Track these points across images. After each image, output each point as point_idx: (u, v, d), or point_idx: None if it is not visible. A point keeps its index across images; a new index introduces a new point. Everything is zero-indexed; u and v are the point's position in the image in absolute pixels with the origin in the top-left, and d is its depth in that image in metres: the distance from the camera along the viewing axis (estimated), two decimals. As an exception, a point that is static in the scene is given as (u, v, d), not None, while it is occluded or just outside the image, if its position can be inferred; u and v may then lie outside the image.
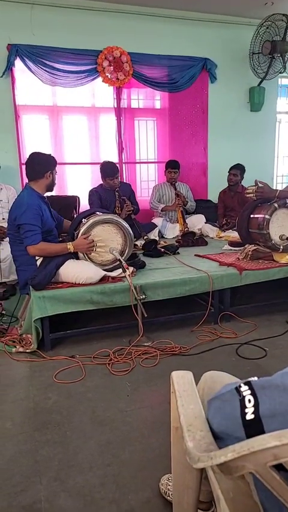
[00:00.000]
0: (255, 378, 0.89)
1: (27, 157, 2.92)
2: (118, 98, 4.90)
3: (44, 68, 4.41)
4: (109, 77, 4.67)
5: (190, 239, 4.14)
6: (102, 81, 4.69)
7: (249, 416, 0.81)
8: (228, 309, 3.17)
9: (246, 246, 3.44)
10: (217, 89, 5.25)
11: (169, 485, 1.49)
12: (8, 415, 2.06)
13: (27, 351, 2.70)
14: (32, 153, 2.93)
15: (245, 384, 0.87)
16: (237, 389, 0.87)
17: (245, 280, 3.11)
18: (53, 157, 2.98)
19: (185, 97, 5.18)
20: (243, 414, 0.82)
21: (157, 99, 5.35)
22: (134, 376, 2.39)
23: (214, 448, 0.86)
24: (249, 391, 0.84)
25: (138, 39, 4.76)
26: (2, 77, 4.28)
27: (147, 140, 5.32)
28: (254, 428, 0.80)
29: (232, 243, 3.84)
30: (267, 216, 3.25)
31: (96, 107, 5.01)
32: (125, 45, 4.65)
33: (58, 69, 4.47)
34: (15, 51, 4.25)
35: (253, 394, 0.83)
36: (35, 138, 4.71)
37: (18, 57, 4.29)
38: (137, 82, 4.87)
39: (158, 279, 2.94)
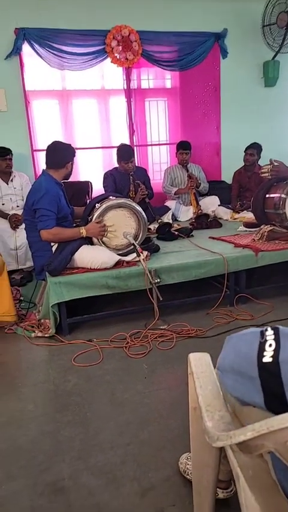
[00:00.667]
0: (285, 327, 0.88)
1: (49, 145, 2.94)
2: (128, 79, 4.82)
3: (52, 51, 4.35)
4: (118, 57, 4.59)
5: (204, 221, 4.10)
6: (111, 61, 4.60)
7: (267, 359, 0.80)
8: (244, 290, 3.15)
9: (261, 227, 3.40)
10: (229, 64, 5.09)
11: (188, 464, 1.53)
12: (30, 398, 2.11)
13: (46, 335, 2.75)
14: (54, 142, 2.96)
15: (272, 329, 0.86)
16: (263, 332, 0.86)
17: (261, 261, 3.09)
18: (72, 147, 3.01)
19: (196, 75, 5.05)
20: (261, 356, 0.81)
21: (167, 78, 5.24)
22: (151, 358, 2.42)
23: (233, 427, 0.87)
24: (273, 336, 0.83)
25: (147, 17, 4.63)
26: (6, 59, 4.24)
27: (159, 121, 5.25)
28: (269, 371, 0.79)
29: (247, 224, 3.79)
30: (283, 195, 3.19)
31: (106, 89, 4.94)
32: (134, 24, 4.54)
33: (66, 52, 4.41)
34: (23, 35, 4.20)
35: (276, 339, 0.82)
36: (46, 123, 4.69)
37: (25, 41, 4.24)
38: (146, 62, 4.77)
39: (173, 262, 2.94)
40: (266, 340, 0.83)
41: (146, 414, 1.91)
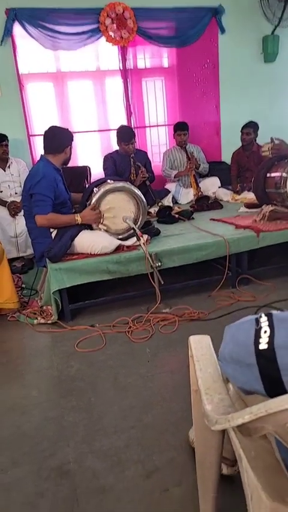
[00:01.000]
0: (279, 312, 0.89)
1: (46, 130, 2.91)
2: (123, 59, 4.71)
3: (45, 32, 4.23)
4: (112, 36, 4.46)
5: (205, 203, 4.06)
6: (106, 40, 4.47)
7: (263, 346, 0.81)
8: (246, 272, 3.13)
9: (263, 207, 3.36)
10: (228, 40, 4.93)
11: None
12: (34, 384, 2.12)
13: (48, 322, 2.75)
14: (51, 127, 2.93)
15: (266, 315, 0.87)
16: (257, 319, 0.87)
17: (262, 242, 3.06)
18: (70, 131, 2.98)
19: (193, 52, 4.92)
20: (257, 343, 0.82)
21: (164, 56, 5.12)
22: (154, 342, 2.42)
23: (232, 410, 0.86)
24: (267, 322, 0.84)
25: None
26: (1, 45, 4.14)
27: (156, 102, 5.15)
28: (265, 357, 0.80)
29: (248, 205, 3.75)
30: (284, 174, 3.14)
31: (102, 70, 4.85)
32: (128, 0, 4.41)
33: (59, 32, 4.29)
34: (14, 15, 4.08)
35: (270, 325, 0.83)
36: (41, 107, 4.61)
37: (17, 22, 4.12)
38: (142, 40, 4.64)
39: (174, 246, 2.92)
40: (261, 327, 0.84)
41: (149, 398, 1.92)
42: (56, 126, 2.97)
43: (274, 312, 0.87)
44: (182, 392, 1.89)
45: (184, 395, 1.85)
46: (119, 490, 1.44)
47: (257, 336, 0.83)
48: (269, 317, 0.85)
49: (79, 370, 2.20)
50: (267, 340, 0.81)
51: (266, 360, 0.79)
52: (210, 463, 1.20)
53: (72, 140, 2.96)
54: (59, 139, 2.89)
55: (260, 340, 0.82)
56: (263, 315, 0.87)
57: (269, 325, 0.83)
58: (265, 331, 0.82)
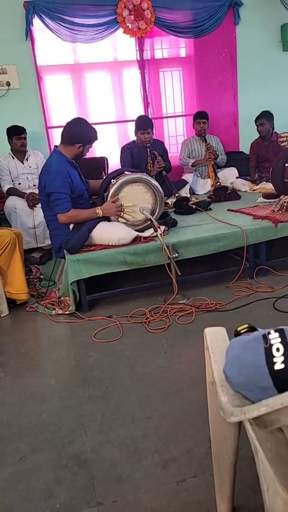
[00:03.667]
0: None
1: (71, 119, 2.88)
2: (141, 49, 4.67)
3: (63, 24, 4.25)
4: (130, 27, 4.44)
5: (222, 194, 4.01)
6: (123, 32, 4.46)
7: (279, 366, 0.75)
8: (264, 263, 3.10)
9: (281, 197, 3.30)
10: (246, 29, 4.86)
11: None
12: (52, 373, 2.16)
13: (66, 312, 2.78)
14: (78, 118, 2.93)
15: (276, 331, 0.80)
16: (265, 336, 0.80)
17: (281, 232, 3.01)
18: (94, 133, 2.85)
19: (211, 42, 4.85)
20: (271, 363, 0.76)
21: (182, 46, 5.04)
22: (171, 333, 2.43)
23: (248, 402, 0.86)
24: (279, 339, 0.78)
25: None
26: (26, 40, 4.18)
27: (174, 92, 5.09)
28: (284, 378, 0.75)
29: (266, 195, 3.69)
30: (303, 164, 3.08)
31: (119, 61, 4.80)
32: (145, -10, 4.36)
33: (77, 24, 4.30)
34: (32, 8, 4.09)
35: (283, 342, 0.77)
36: (59, 99, 4.61)
37: (35, 15, 4.14)
38: (159, 30, 4.60)
39: (191, 237, 2.90)
40: (271, 345, 0.77)
41: (166, 388, 1.93)
42: (81, 119, 2.91)
43: (285, 327, 0.81)
44: (200, 383, 1.88)
45: (201, 386, 1.83)
46: (135, 479, 1.45)
47: (269, 355, 0.76)
48: (281, 333, 0.78)
49: (96, 360, 2.23)
50: (282, 359, 0.75)
51: (285, 381, 0.74)
52: (227, 455, 1.21)
53: (88, 142, 2.84)
54: (72, 131, 2.81)
55: (275, 360, 0.75)
56: (271, 331, 0.80)
57: (281, 342, 0.76)
58: (277, 349, 0.76)
